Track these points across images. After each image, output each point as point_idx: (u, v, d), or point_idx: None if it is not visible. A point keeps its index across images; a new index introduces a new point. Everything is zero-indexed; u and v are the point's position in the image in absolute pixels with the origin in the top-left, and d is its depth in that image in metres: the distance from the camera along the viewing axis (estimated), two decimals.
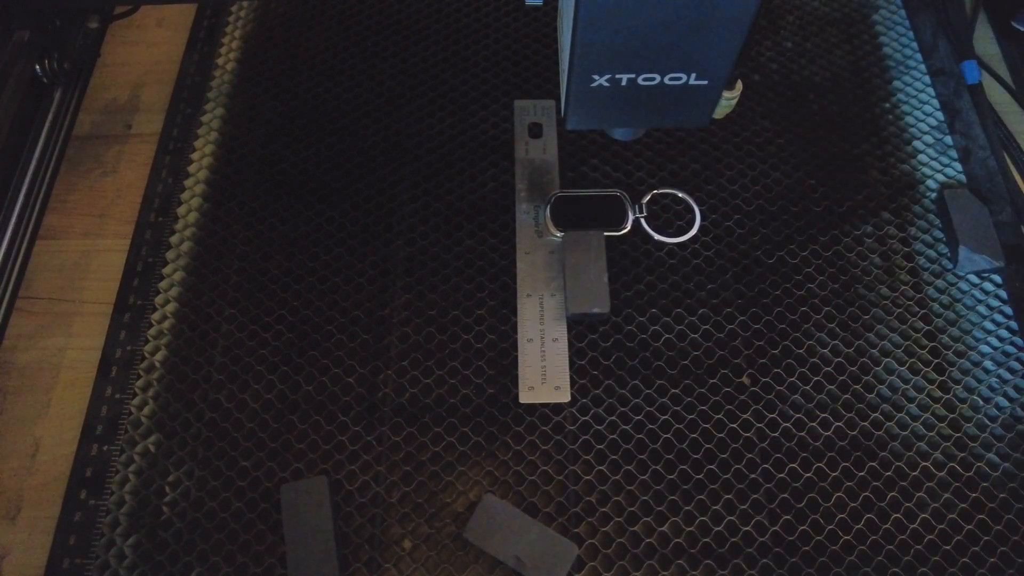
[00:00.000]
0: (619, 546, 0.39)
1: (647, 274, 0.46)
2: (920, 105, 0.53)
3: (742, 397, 0.43)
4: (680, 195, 0.49)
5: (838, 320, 0.45)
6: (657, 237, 0.48)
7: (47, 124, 0.52)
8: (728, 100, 0.39)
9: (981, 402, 0.43)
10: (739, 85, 0.39)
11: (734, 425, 0.42)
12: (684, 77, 0.34)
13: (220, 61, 0.56)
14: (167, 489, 0.40)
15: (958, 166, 0.50)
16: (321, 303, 0.46)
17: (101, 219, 0.50)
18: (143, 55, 0.57)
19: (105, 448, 0.42)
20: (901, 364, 0.44)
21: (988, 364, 0.44)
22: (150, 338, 0.45)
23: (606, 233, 0.47)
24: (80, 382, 0.44)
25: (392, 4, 0.58)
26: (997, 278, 0.46)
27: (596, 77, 0.34)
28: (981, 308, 0.45)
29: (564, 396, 0.43)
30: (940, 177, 0.50)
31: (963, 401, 0.43)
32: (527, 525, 0.39)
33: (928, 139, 0.52)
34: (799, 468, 0.41)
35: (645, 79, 0.34)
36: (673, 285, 0.46)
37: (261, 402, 0.43)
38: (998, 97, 0.55)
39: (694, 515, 0.40)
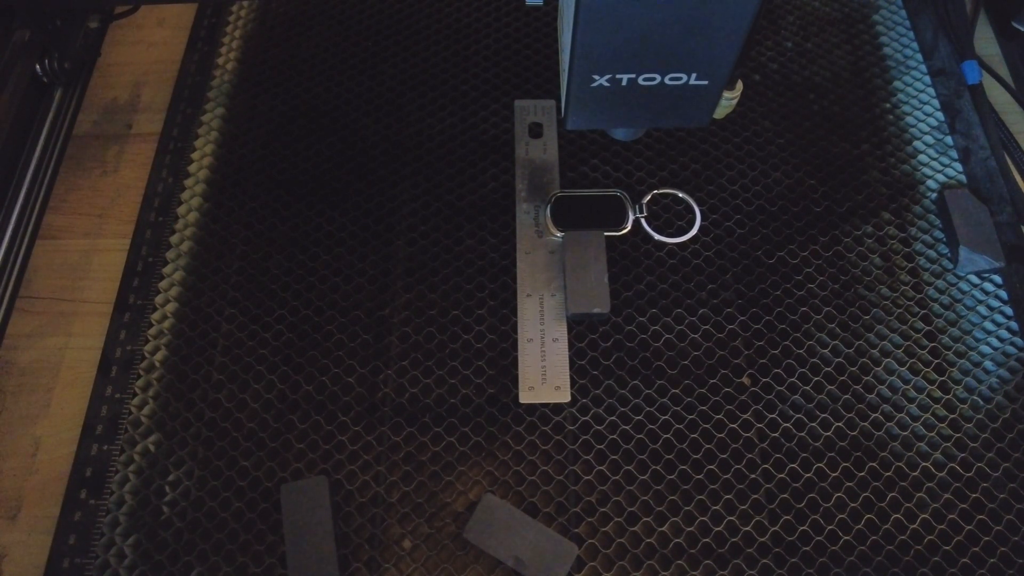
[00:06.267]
0: (619, 546, 0.39)
1: (647, 274, 0.46)
2: (920, 105, 0.53)
3: (742, 397, 0.43)
4: (680, 195, 0.49)
5: (838, 320, 0.45)
6: (657, 237, 0.48)
7: (47, 124, 0.52)
8: (728, 100, 0.39)
9: (981, 403, 0.43)
10: (739, 85, 0.39)
11: (734, 425, 0.42)
12: (684, 77, 0.34)
13: (220, 61, 0.55)
14: (167, 489, 0.40)
15: (958, 166, 0.50)
16: (321, 303, 0.46)
17: (101, 219, 0.50)
18: (143, 55, 0.57)
19: (105, 448, 0.42)
20: (901, 364, 0.44)
21: (988, 365, 0.44)
22: (150, 338, 0.45)
23: (606, 233, 0.47)
24: (80, 382, 0.44)
25: (392, 4, 0.58)
26: (997, 278, 0.46)
27: (596, 77, 0.34)
28: (981, 308, 0.45)
29: (564, 396, 0.43)
30: (940, 177, 0.50)
31: (963, 402, 0.43)
32: (527, 525, 0.39)
33: (928, 139, 0.52)
34: (799, 468, 0.41)
35: (645, 79, 0.34)
36: (673, 285, 0.46)
37: (261, 402, 0.43)
38: (998, 97, 0.55)
39: (694, 515, 0.40)
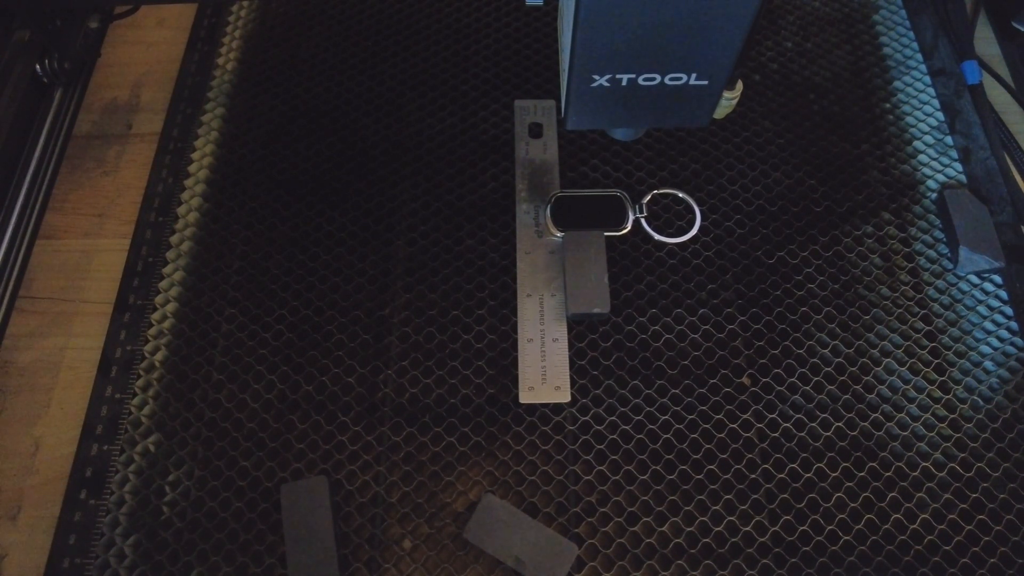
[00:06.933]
0: (619, 546, 0.39)
1: (647, 274, 0.46)
2: (920, 105, 0.53)
3: (742, 397, 0.43)
4: (680, 195, 0.49)
5: (838, 320, 0.45)
6: (657, 237, 0.48)
7: (47, 124, 0.52)
8: (728, 100, 0.39)
9: (981, 403, 0.43)
10: (739, 85, 0.39)
11: (734, 425, 0.42)
12: (684, 77, 0.34)
13: (220, 61, 0.55)
14: (167, 489, 0.40)
15: (958, 166, 0.50)
16: (321, 303, 0.46)
17: (101, 219, 0.50)
18: (143, 55, 0.57)
19: (105, 448, 0.42)
20: (901, 364, 0.44)
21: (988, 365, 0.44)
22: (150, 338, 0.45)
23: (606, 233, 0.47)
24: (80, 382, 0.44)
25: (392, 4, 0.58)
26: (997, 278, 0.46)
27: (596, 77, 0.34)
28: (981, 308, 0.45)
29: (564, 396, 0.43)
30: (940, 177, 0.50)
31: (963, 402, 0.43)
32: (527, 525, 0.39)
33: (928, 139, 0.52)
34: (799, 468, 0.41)
35: (645, 79, 0.34)
36: (673, 285, 0.46)
37: (261, 402, 0.43)
38: (998, 97, 0.55)
39: (694, 515, 0.40)
